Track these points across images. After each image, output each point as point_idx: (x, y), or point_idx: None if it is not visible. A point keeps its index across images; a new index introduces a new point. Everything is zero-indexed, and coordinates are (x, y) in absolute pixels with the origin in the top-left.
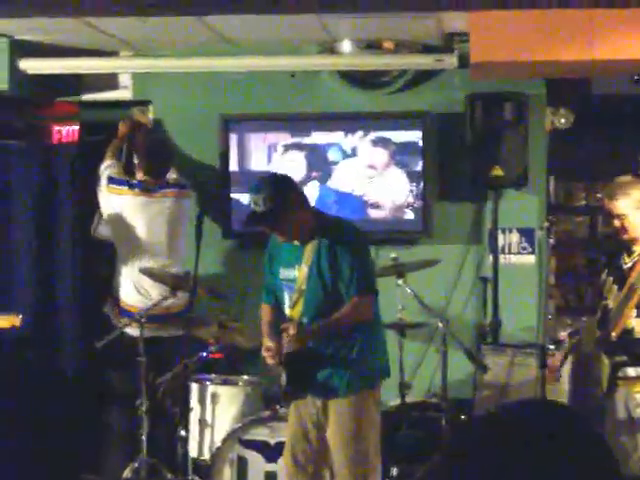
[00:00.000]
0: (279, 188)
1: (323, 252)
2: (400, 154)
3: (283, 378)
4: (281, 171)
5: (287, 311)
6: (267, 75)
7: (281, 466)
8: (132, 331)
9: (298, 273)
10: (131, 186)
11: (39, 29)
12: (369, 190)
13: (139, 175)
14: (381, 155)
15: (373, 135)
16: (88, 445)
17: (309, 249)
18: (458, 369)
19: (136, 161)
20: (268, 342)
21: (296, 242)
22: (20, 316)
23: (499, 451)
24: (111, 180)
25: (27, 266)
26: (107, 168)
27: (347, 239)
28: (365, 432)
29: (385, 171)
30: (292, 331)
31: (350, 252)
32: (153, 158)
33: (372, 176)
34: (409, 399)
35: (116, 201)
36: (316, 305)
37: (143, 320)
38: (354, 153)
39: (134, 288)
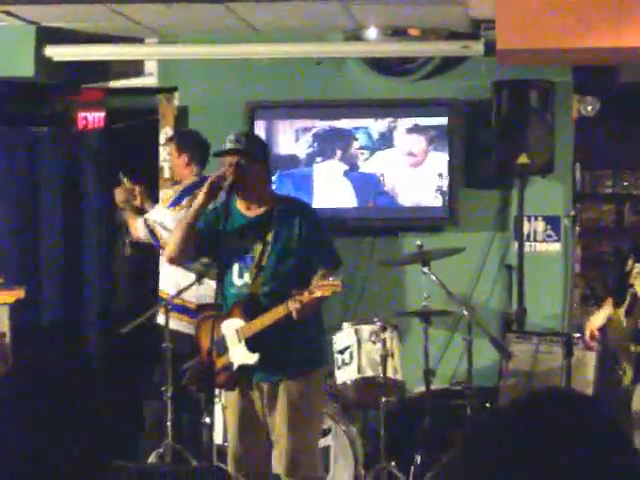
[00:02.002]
0: (262, 143)
1: (286, 227)
2: (427, 142)
3: (250, 356)
4: (309, 156)
5: (236, 281)
6: (293, 62)
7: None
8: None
9: (256, 246)
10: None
11: (65, 16)
12: (399, 177)
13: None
14: (419, 142)
15: (407, 122)
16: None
17: (265, 223)
18: (483, 357)
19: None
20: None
21: (246, 210)
22: (22, 289)
23: (515, 440)
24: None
25: (54, 252)
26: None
27: (310, 214)
28: (316, 415)
29: (425, 158)
30: (305, 298)
31: (316, 226)
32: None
33: (411, 164)
34: (434, 386)
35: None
36: (279, 279)
37: (169, 307)
38: (384, 140)
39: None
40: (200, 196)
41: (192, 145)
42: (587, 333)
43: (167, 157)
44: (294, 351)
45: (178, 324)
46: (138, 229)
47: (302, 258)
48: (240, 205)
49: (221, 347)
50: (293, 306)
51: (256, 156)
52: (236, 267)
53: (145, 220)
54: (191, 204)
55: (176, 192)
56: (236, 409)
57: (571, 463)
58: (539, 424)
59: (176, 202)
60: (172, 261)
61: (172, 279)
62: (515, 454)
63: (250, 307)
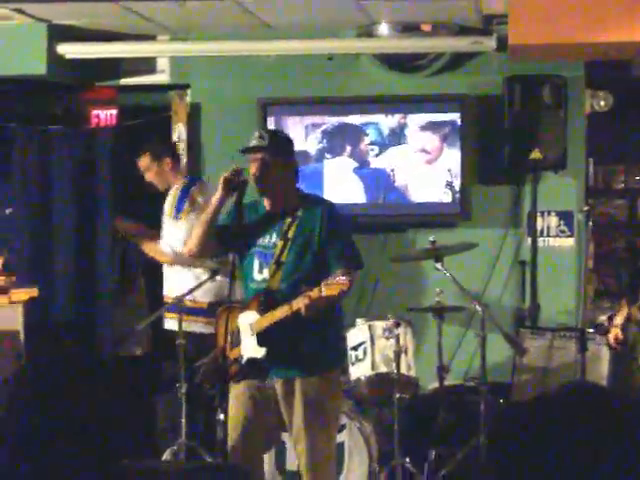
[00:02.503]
0: (288, 141)
1: (308, 224)
2: (439, 138)
3: (259, 350)
4: (318, 151)
5: (256, 276)
6: (304, 59)
7: None
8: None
9: (277, 242)
10: None
11: (77, 13)
12: (411, 173)
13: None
14: (432, 139)
15: (418, 118)
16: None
17: (289, 221)
18: (496, 353)
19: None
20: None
21: (270, 206)
22: (35, 288)
23: (539, 434)
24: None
25: (67, 250)
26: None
27: (333, 214)
28: (333, 415)
29: (439, 155)
30: (315, 295)
31: (338, 226)
32: None
33: (424, 160)
34: (447, 382)
35: None
36: (297, 276)
37: (183, 311)
38: (395, 136)
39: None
40: (217, 193)
41: (167, 148)
42: (611, 337)
43: (146, 174)
44: (308, 349)
45: (195, 326)
46: (165, 253)
47: (321, 256)
48: (265, 201)
49: (236, 339)
50: (302, 302)
51: (280, 153)
52: (257, 262)
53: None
54: (193, 206)
55: (175, 200)
56: (240, 402)
57: (608, 459)
58: (573, 418)
59: (179, 210)
60: (193, 256)
61: (177, 284)
62: (547, 449)
63: (266, 302)
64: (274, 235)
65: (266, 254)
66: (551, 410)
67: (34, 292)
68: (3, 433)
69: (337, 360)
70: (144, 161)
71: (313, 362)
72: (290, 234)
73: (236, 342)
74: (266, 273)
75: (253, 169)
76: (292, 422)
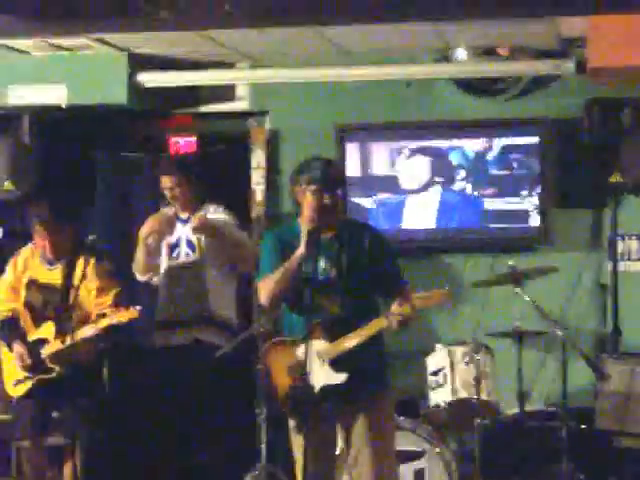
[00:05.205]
0: (343, 170)
1: (357, 248)
2: (519, 161)
3: (336, 376)
4: (404, 175)
5: (307, 304)
6: (383, 84)
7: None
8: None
9: (329, 268)
10: None
11: (157, 42)
12: (492, 196)
13: None
14: (512, 163)
15: (499, 142)
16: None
17: (337, 246)
18: (578, 378)
19: None
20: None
21: (310, 227)
22: (138, 307)
23: None
24: None
25: None
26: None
27: (378, 234)
28: (393, 434)
29: (518, 179)
30: (407, 310)
31: (386, 245)
32: None
33: (504, 184)
34: (528, 408)
35: None
36: (356, 302)
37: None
38: (479, 160)
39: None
40: (302, 247)
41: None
42: None
43: (175, 191)
44: (373, 370)
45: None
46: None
47: (374, 277)
48: (303, 226)
49: (301, 370)
50: (394, 318)
51: (338, 184)
52: (307, 291)
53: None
54: None
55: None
56: (312, 434)
57: None
58: None
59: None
60: (267, 309)
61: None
62: None
63: (331, 328)
64: (322, 261)
65: (317, 281)
66: None
67: (135, 314)
68: None
69: (390, 379)
70: (174, 179)
71: (376, 383)
72: (343, 260)
73: (301, 372)
74: (320, 300)
75: (319, 202)
76: (350, 443)
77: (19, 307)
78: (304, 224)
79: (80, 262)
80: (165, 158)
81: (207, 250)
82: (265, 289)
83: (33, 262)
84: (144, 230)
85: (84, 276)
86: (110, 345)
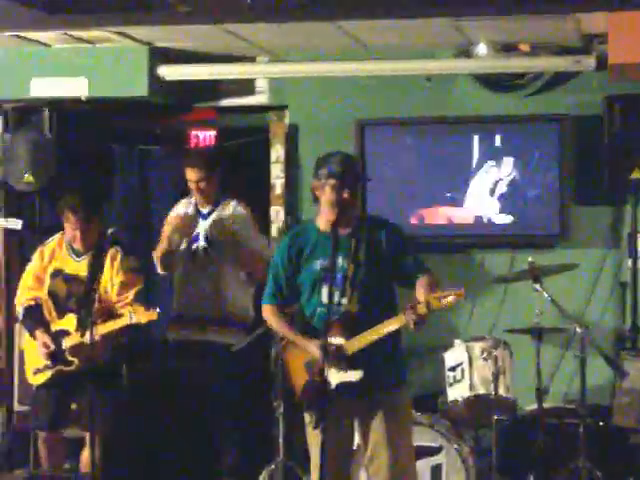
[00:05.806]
0: (358, 165)
1: (375, 243)
2: (538, 157)
3: (352, 373)
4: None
5: (325, 301)
6: (402, 79)
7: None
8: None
9: (347, 264)
10: None
11: (178, 36)
12: (510, 193)
13: None
14: (532, 159)
15: (518, 138)
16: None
17: (355, 242)
18: (596, 375)
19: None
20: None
21: (326, 228)
22: (157, 310)
23: None
24: None
25: None
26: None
27: (396, 228)
28: (411, 426)
29: (538, 175)
30: (423, 311)
31: (404, 239)
32: None
33: (523, 180)
34: (546, 404)
35: None
36: (374, 298)
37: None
38: (496, 155)
39: None
40: (314, 351)
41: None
42: None
43: (201, 184)
44: (389, 365)
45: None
46: None
47: (393, 272)
48: (324, 225)
49: (314, 367)
50: (410, 317)
51: (357, 179)
52: (325, 287)
53: None
54: None
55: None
56: (333, 426)
57: None
58: None
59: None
60: None
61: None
62: None
63: (349, 324)
64: (340, 257)
65: (335, 276)
66: None
67: (154, 316)
68: None
69: (407, 372)
70: (200, 172)
71: (393, 377)
72: (360, 256)
73: (318, 369)
74: (338, 297)
75: (338, 196)
76: (367, 437)
77: (43, 296)
78: (321, 220)
79: (108, 255)
80: (193, 151)
81: (225, 249)
82: (269, 322)
83: (60, 253)
84: (168, 229)
85: (111, 269)
86: (127, 341)
